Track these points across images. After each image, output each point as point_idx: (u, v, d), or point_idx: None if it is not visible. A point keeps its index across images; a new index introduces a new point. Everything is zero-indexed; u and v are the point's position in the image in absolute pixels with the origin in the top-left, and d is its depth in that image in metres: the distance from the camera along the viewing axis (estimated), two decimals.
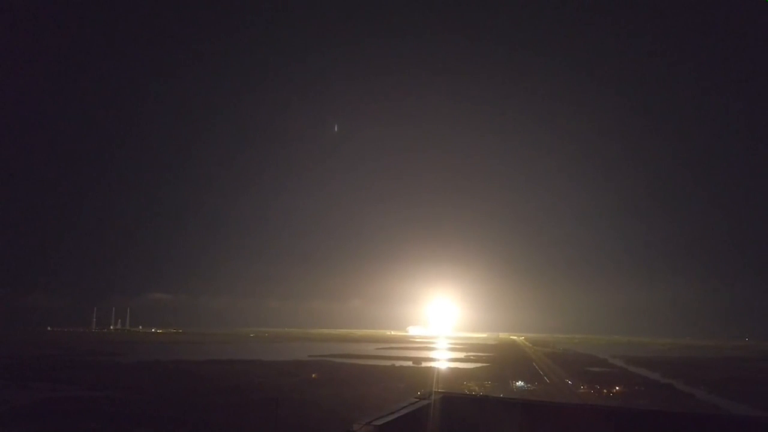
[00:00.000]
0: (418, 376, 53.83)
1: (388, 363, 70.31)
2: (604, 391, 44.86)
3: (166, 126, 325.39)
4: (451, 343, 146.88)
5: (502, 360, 78.09)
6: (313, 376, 51.67)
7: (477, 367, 66.38)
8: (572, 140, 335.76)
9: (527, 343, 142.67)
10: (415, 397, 6.56)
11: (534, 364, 69.07)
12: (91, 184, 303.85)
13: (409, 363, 72.57)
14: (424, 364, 72.87)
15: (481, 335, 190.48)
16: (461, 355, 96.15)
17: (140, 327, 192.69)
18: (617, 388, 46.17)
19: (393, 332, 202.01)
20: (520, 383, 47.29)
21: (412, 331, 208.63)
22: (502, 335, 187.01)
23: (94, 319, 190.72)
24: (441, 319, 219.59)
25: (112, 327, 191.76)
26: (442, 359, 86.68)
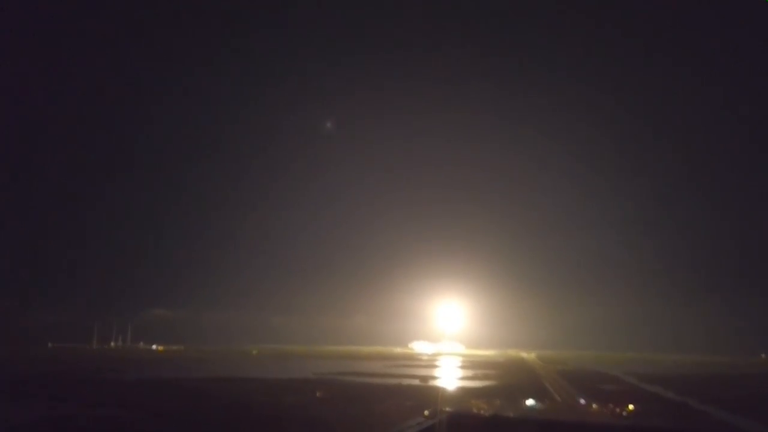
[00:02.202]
0: (425, 393, 52.69)
1: (395, 381, 69.07)
2: (617, 409, 43.48)
3: (170, 139, 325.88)
4: (458, 360, 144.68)
5: (510, 378, 76.54)
6: (318, 394, 50.73)
7: (485, 385, 64.98)
8: (585, 152, 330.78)
9: (537, 360, 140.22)
10: (423, 416, 6.11)
11: (544, 382, 67.58)
12: (93, 199, 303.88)
13: (416, 381, 71.23)
14: (432, 382, 71.50)
15: (490, 352, 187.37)
16: (469, 372, 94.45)
17: (141, 343, 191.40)
18: (630, 406, 44.79)
19: (399, 349, 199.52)
20: (529, 401, 46.10)
21: (419, 347, 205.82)
22: (511, 352, 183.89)
23: (95, 336, 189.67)
24: (448, 335, 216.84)
25: (113, 343, 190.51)
26: (450, 376, 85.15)
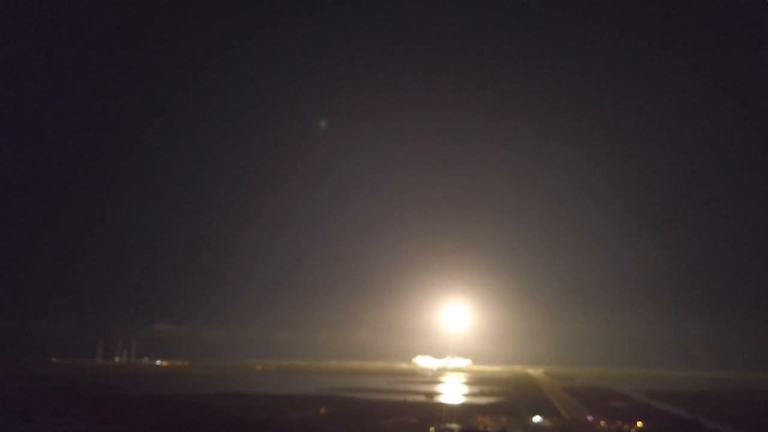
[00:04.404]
0: (430, 410, 52.14)
1: (400, 397, 68.39)
2: (626, 426, 43.02)
3: (171, 152, 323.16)
4: (464, 376, 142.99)
5: (517, 394, 75.57)
6: (322, 410, 50.35)
7: (491, 402, 64.18)
8: (599, 168, 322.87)
9: (544, 376, 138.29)
10: None
11: (550, 398, 66.75)
12: (97, 214, 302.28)
13: (421, 397, 70.49)
14: (437, 398, 70.73)
15: (495, 368, 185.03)
16: (475, 388, 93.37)
17: (145, 359, 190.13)
18: (639, 423, 44.22)
19: (404, 364, 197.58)
20: (537, 418, 45.53)
21: (424, 363, 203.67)
22: (517, 368, 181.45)
23: (100, 351, 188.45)
24: (453, 350, 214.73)
25: (117, 359, 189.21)
26: (455, 393, 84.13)
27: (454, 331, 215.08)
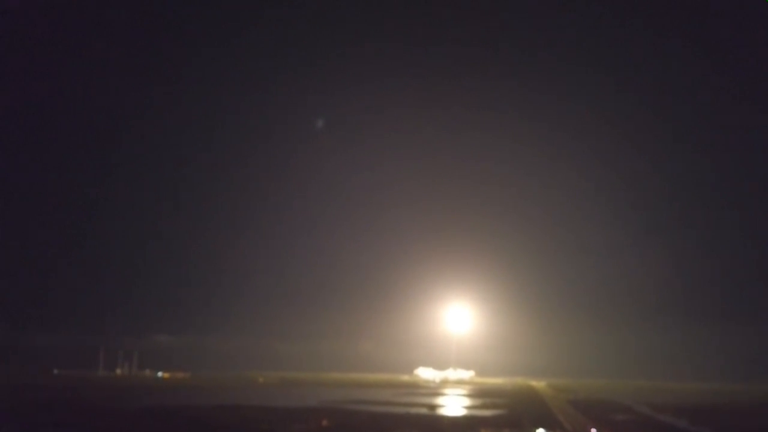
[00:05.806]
0: (433, 423, 51.92)
1: (402, 409, 68.08)
2: None
3: (171, 161, 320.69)
4: (466, 388, 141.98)
5: (519, 406, 75.11)
6: (324, 423, 50.21)
7: (493, 414, 63.82)
8: (606, 175, 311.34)
9: (547, 388, 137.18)
10: None
11: (553, 411, 66.33)
12: (96, 223, 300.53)
13: (424, 409, 70.16)
14: (439, 411, 70.37)
15: (498, 380, 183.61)
16: (477, 401, 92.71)
17: (147, 370, 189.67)
18: None
19: (406, 377, 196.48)
20: (540, 431, 45.36)
21: (426, 374, 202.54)
22: (520, 380, 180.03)
23: (101, 362, 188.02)
24: (456, 362, 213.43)
25: (118, 370, 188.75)
26: (458, 405, 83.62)
27: (456, 342, 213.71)
